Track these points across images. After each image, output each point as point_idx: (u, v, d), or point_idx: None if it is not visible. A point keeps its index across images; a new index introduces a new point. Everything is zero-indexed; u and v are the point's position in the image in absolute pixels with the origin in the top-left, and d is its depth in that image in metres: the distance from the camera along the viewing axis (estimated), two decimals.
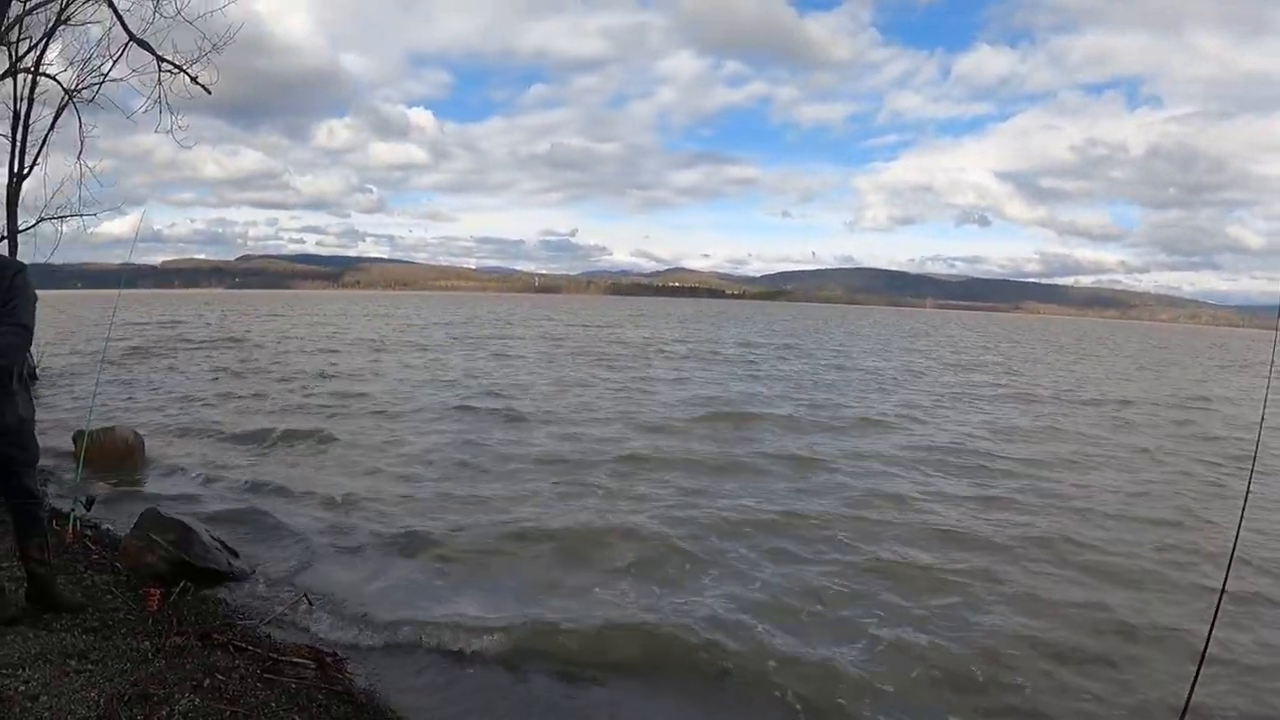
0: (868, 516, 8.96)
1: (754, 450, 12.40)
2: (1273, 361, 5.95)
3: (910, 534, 8.37)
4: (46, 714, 3.56)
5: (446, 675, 5.26)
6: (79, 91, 9.66)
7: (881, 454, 12.50)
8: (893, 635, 5.91)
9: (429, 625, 5.90)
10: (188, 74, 10.14)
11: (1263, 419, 4.50)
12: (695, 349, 34.77)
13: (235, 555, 7.01)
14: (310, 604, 6.20)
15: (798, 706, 4.96)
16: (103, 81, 9.66)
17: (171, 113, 9.54)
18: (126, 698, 3.87)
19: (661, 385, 20.29)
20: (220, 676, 4.37)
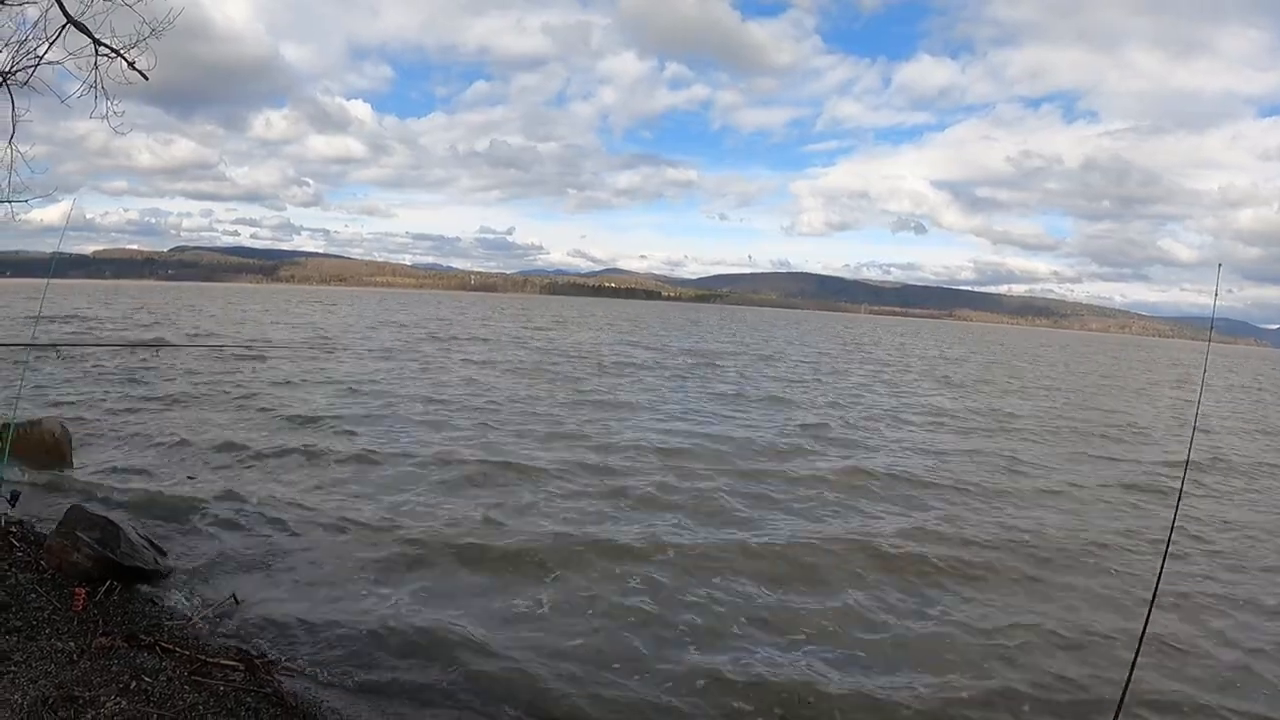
0: None
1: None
2: (1205, 370, 6.41)
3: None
4: None
5: (378, 675, 5.29)
6: (13, 74, 9.38)
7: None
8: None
9: (360, 625, 5.94)
10: (125, 59, 9.91)
11: (1195, 425, 4.91)
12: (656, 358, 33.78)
13: (163, 553, 6.94)
14: (238, 603, 6.18)
15: None
16: (38, 64, 9.38)
17: (108, 98, 9.31)
18: (51, 701, 3.86)
19: (632, 413, 17.62)
20: (147, 679, 4.37)
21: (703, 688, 5.36)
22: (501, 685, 5.26)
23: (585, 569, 7.41)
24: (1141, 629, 3.28)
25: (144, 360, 21.09)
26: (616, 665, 5.61)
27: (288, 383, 18.79)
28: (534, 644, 5.84)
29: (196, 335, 31.86)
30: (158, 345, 25.84)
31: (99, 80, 10.20)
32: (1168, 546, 4.15)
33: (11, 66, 10.56)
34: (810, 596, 7.06)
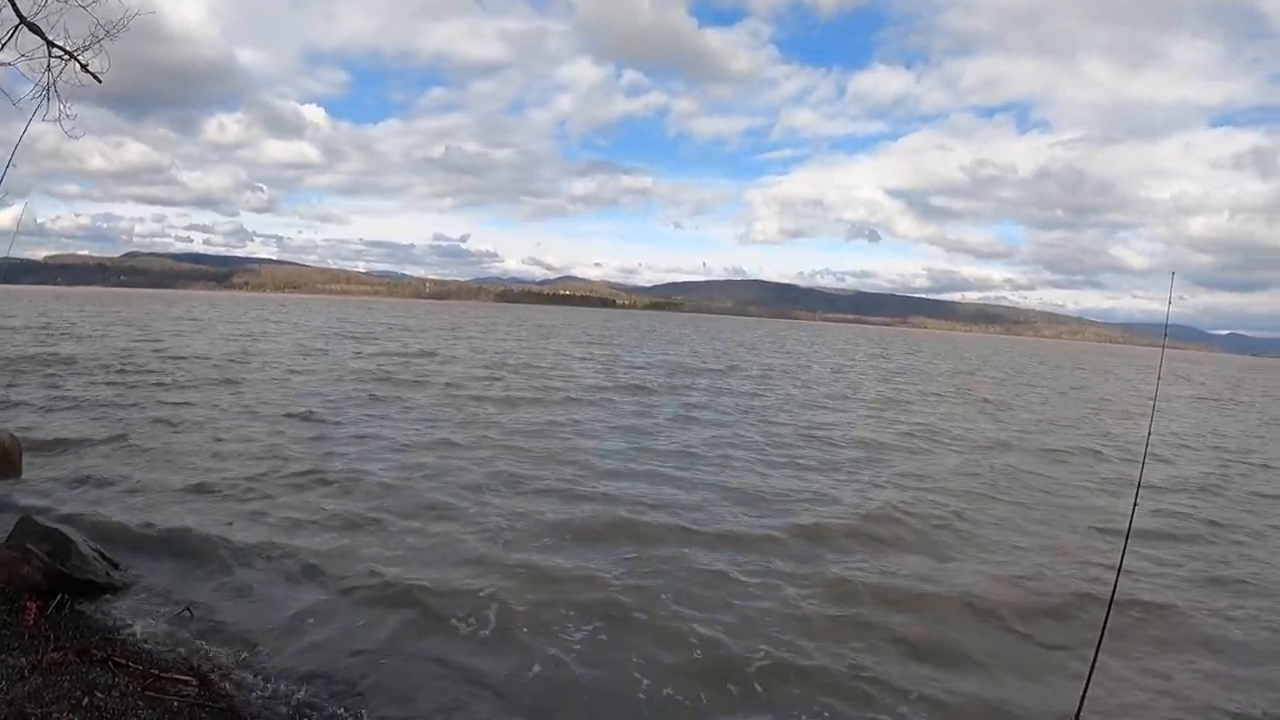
0: None
1: None
2: (1160, 375, 6.74)
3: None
4: None
5: (335, 690, 5.31)
6: None
7: None
8: None
9: (317, 640, 5.97)
10: (79, 61, 9.82)
11: (1150, 428, 5.12)
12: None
13: (115, 566, 6.89)
14: (192, 616, 6.17)
15: None
16: None
17: (60, 101, 9.21)
18: (3, 718, 3.85)
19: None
20: (100, 695, 4.36)
21: None
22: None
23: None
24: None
25: (99, 374, 20.63)
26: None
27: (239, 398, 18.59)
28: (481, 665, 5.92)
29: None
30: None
31: (52, 82, 10.07)
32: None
33: None
34: None
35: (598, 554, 8.28)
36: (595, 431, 15.71)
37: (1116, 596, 3.77)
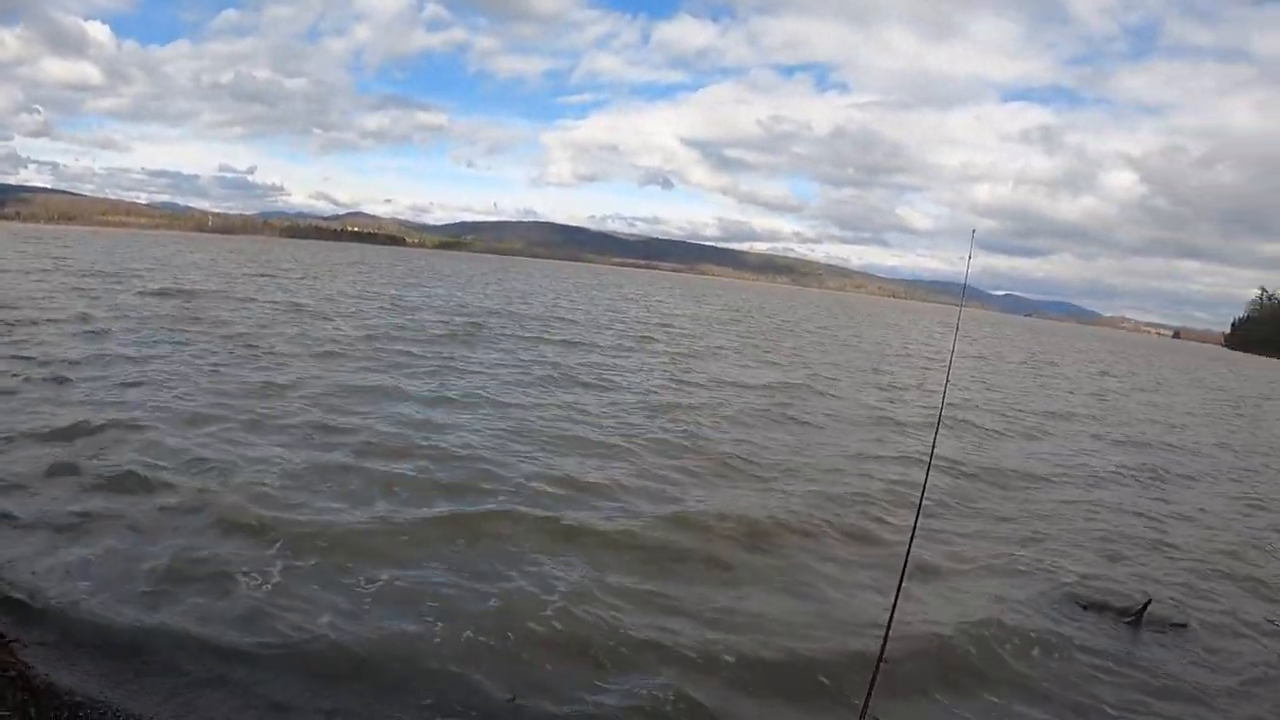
0: None
1: None
2: (957, 330, 7.87)
3: None
4: None
5: (130, 662, 5.26)
6: None
7: None
8: None
9: (112, 605, 5.86)
10: None
11: (946, 384, 6.17)
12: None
13: None
14: None
15: None
16: None
17: None
18: None
19: None
20: None
21: None
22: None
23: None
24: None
25: None
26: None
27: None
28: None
29: None
30: None
31: None
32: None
33: None
34: None
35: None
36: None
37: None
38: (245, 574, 6.58)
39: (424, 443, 10.77)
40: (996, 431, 16.82)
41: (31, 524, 7.08)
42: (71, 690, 4.75)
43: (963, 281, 6.97)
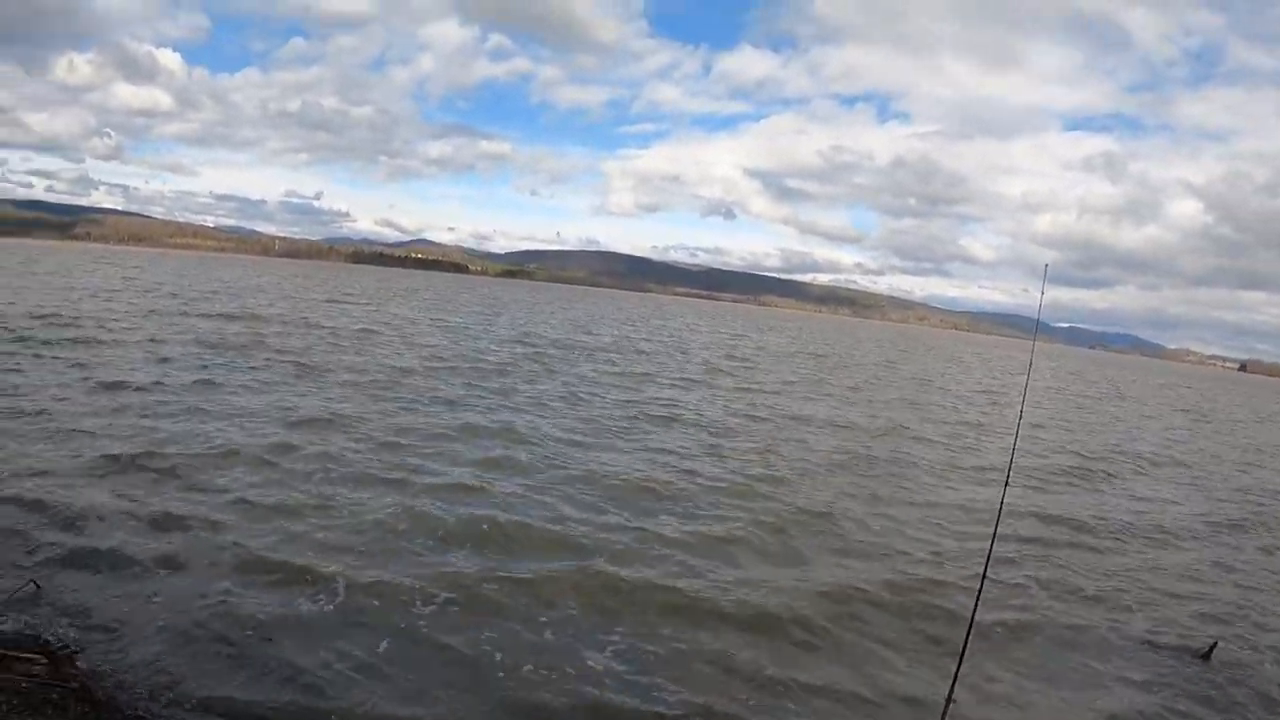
0: None
1: None
2: (1031, 364, 7.44)
3: None
4: None
5: (188, 669, 5.25)
6: None
7: None
8: None
9: (168, 619, 5.85)
10: None
11: (1020, 417, 5.76)
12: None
13: None
14: (39, 589, 5.93)
15: None
16: None
17: None
18: None
19: None
20: None
21: None
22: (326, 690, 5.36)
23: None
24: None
25: None
26: None
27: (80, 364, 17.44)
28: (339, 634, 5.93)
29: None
30: None
31: None
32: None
33: None
34: None
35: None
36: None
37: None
38: (312, 597, 6.49)
39: (488, 485, 10.22)
40: (1074, 476, 15.82)
41: (95, 549, 7.01)
42: (134, 704, 4.76)
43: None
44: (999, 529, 4.94)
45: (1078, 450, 18.87)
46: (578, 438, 13.69)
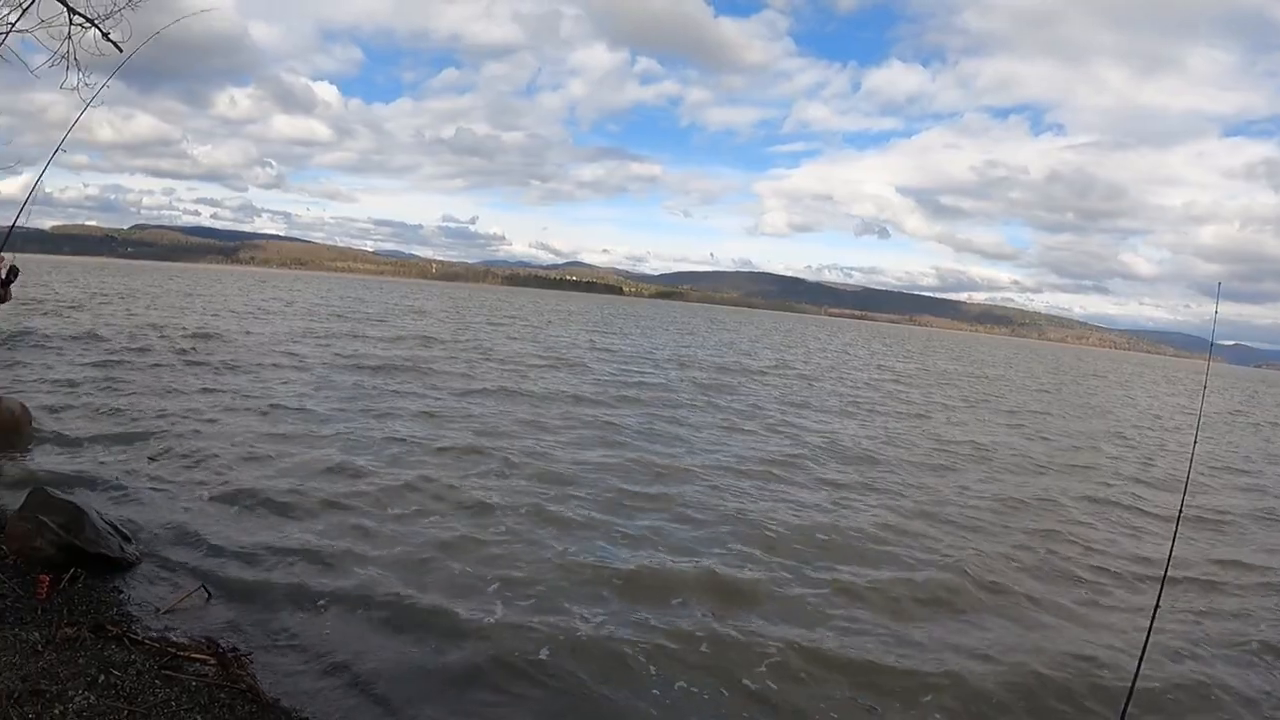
0: None
1: None
2: (1205, 386, 6.50)
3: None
4: None
5: (357, 671, 5.18)
6: None
7: None
8: None
9: (341, 620, 5.86)
10: (100, 29, 9.64)
11: (1196, 439, 5.01)
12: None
13: (129, 540, 6.74)
14: (209, 594, 6.01)
15: None
16: (8, 32, 9.08)
17: (79, 70, 9.05)
18: (16, 694, 3.71)
19: None
20: (116, 673, 4.22)
21: None
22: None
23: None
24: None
25: (110, 346, 20.41)
26: None
27: (256, 367, 18.40)
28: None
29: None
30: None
31: (72, 51, 9.93)
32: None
33: None
34: None
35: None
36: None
37: None
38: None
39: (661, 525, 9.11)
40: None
41: (270, 563, 7.09)
42: (299, 707, 4.65)
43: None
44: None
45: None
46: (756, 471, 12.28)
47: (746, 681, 5.54)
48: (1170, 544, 4.44)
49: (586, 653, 5.72)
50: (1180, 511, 4.62)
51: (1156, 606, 3.74)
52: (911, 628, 6.76)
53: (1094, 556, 9.41)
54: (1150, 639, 3.57)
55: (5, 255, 4.45)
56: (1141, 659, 3.46)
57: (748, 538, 8.72)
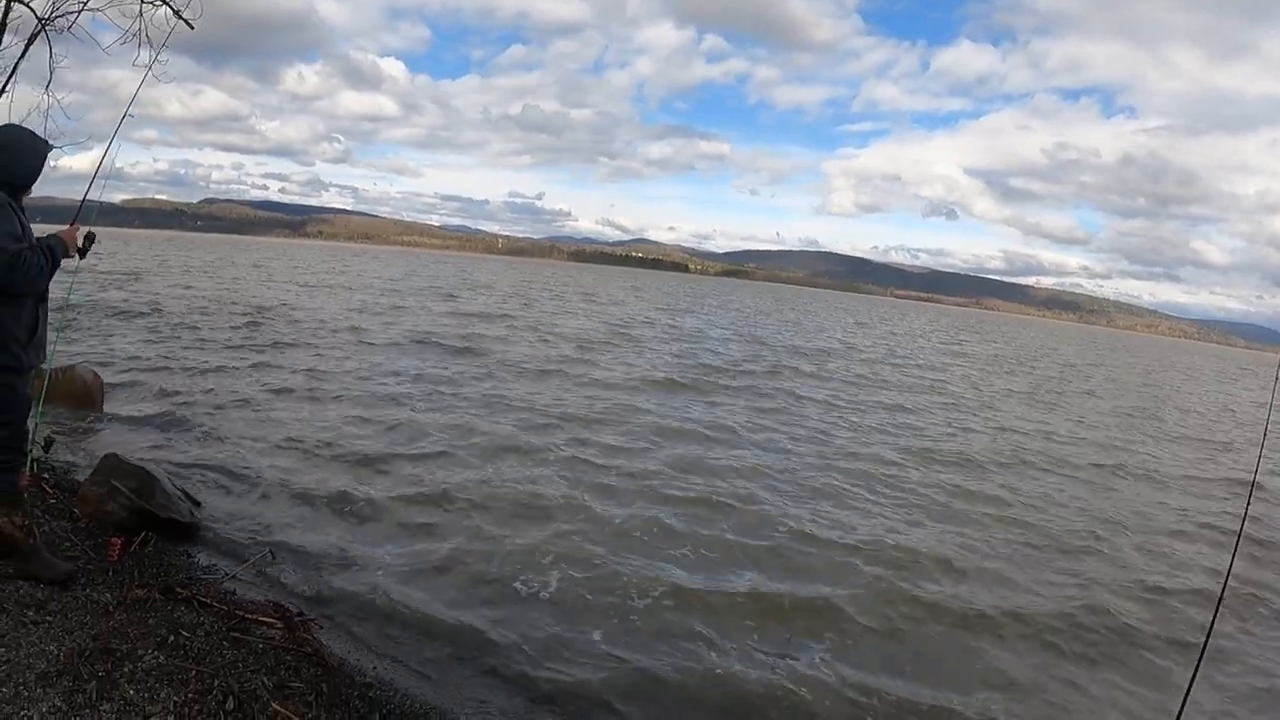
0: None
1: None
2: (1277, 379, 6.08)
3: None
4: (2, 667, 3.40)
5: (421, 638, 5.21)
6: (52, 21, 9.23)
7: None
8: None
9: (403, 588, 5.86)
10: (171, 7, 9.72)
11: (1264, 437, 4.65)
12: None
13: (198, 505, 6.83)
14: (274, 558, 6.06)
15: None
16: (80, 10, 9.21)
17: (151, 47, 9.12)
18: (88, 652, 3.71)
19: None
20: (185, 634, 4.22)
21: None
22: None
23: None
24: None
25: (178, 319, 20.87)
26: None
27: (329, 349, 18.64)
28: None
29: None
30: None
31: (144, 28, 10.04)
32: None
33: (51, 13, 10.40)
34: None
35: None
36: None
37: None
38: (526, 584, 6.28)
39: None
40: None
41: (340, 529, 7.18)
42: (363, 670, 4.64)
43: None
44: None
45: None
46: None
47: None
48: None
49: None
50: None
51: None
52: None
53: None
54: None
55: (81, 226, 4.49)
56: None
57: None
